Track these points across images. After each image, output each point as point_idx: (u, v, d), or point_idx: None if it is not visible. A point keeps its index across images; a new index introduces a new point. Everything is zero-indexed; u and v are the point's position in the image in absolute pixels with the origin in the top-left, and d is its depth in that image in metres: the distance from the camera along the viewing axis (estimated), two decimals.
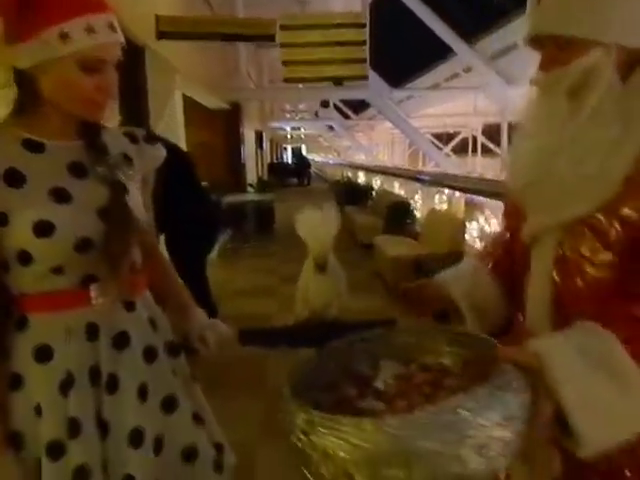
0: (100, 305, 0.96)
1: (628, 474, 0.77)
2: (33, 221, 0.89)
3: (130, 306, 1.02)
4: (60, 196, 0.92)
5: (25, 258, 0.91)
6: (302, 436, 0.59)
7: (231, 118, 9.50)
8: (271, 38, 5.65)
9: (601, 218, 0.75)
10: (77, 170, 0.96)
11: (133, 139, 1.09)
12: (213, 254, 6.20)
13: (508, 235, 1.01)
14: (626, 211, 0.73)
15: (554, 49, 0.80)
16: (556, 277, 0.82)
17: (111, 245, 0.94)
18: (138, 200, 1.04)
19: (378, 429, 0.54)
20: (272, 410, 2.81)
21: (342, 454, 0.55)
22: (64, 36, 0.87)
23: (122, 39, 0.95)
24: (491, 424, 0.56)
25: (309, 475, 0.60)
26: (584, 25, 0.76)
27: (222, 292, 4.44)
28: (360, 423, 0.56)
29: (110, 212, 0.95)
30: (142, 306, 1.05)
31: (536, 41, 0.83)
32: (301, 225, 2.53)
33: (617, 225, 0.73)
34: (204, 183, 6.56)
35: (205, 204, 3.53)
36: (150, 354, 1.02)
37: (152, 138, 1.14)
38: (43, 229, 0.89)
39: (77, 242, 0.92)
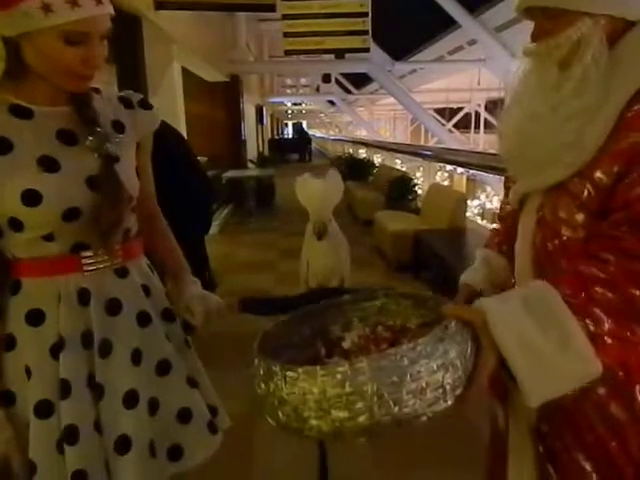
0: (92, 272, 0.97)
1: (600, 430, 0.79)
2: (21, 190, 0.88)
3: (123, 272, 1.01)
4: (48, 165, 0.91)
5: (16, 225, 0.91)
6: (262, 385, 0.65)
7: (231, 92, 9.37)
8: (271, 8, 5.53)
9: (576, 181, 0.78)
10: (66, 138, 0.94)
11: (128, 104, 1.07)
12: (214, 229, 6.21)
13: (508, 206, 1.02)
14: (598, 175, 0.76)
15: (544, 20, 0.81)
16: (536, 239, 0.85)
17: (101, 215, 0.94)
18: (132, 167, 1.03)
19: (326, 375, 0.60)
20: None
21: (295, 399, 0.61)
22: (46, 8, 0.83)
23: (110, 10, 0.91)
24: (428, 371, 0.61)
25: (270, 420, 0.66)
26: None
27: (223, 266, 4.46)
28: (312, 370, 0.61)
29: (100, 182, 0.94)
30: (136, 272, 1.04)
31: (527, 12, 0.84)
32: (301, 190, 2.46)
33: (590, 187, 0.77)
34: (203, 158, 6.55)
35: (200, 177, 3.50)
36: (143, 319, 1.02)
37: (147, 103, 1.11)
38: (31, 198, 0.89)
39: (65, 212, 0.91)
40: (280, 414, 0.63)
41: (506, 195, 1.06)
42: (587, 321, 0.68)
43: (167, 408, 1.03)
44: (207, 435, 1.09)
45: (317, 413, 0.60)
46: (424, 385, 0.60)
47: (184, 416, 1.05)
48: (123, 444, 0.95)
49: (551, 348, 0.68)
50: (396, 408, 0.59)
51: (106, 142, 0.96)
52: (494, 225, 1.20)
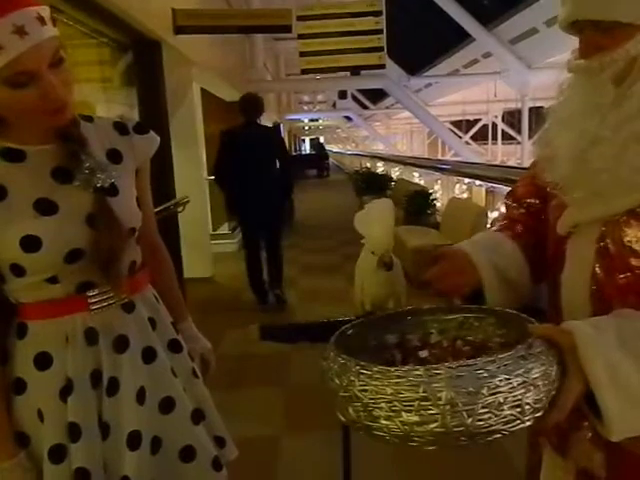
0: (98, 310, 0.94)
1: None
2: (19, 237, 0.85)
3: (129, 307, 0.98)
4: (45, 208, 0.87)
5: (18, 270, 0.88)
6: (336, 379, 0.65)
7: None
8: (287, 29, 5.61)
9: None
10: (62, 176, 0.90)
11: (123, 131, 1.01)
12: (234, 247, 6.25)
13: (526, 214, 0.98)
14: None
15: (595, 34, 0.75)
16: (598, 270, 0.78)
17: (101, 252, 0.90)
18: (132, 198, 0.99)
19: (401, 377, 0.60)
20: (295, 403, 2.73)
21: (367, 397, 0.61)
22: None
23: (48, 34, 0.80)
24: (507, 387, 0.59)
25: (340, 416, 0.66)
26: (629, 9, 0.71)
27: (244, 283, 4.47)
28: (386, 371, 0.61)
29: (97, 218, 0.91)
30: (142, 305, 1.01)
31: (574, 26, 0.78)
32: (362, 223, 2.34)
33: None
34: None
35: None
36: (149, 355, 0.99)
37: (143, 127, 1.05)
38: (30, 244, 0.85)
39: (67, 254, 0.88)
40: (351, 410, 0.63)
41: (529, 188, 0.98)
42: None
43: (169, 446, 1.00)
44: (211, 472, 1.04)
45: (388, 413, 0.60)
46: (501, 400, 0.58)
47: (187, 455, 1.01)
48: None
49: None
50: (469, 420, 0.57)
51: (95, 175, 0.91)
52: (503, 208, 1.03)
